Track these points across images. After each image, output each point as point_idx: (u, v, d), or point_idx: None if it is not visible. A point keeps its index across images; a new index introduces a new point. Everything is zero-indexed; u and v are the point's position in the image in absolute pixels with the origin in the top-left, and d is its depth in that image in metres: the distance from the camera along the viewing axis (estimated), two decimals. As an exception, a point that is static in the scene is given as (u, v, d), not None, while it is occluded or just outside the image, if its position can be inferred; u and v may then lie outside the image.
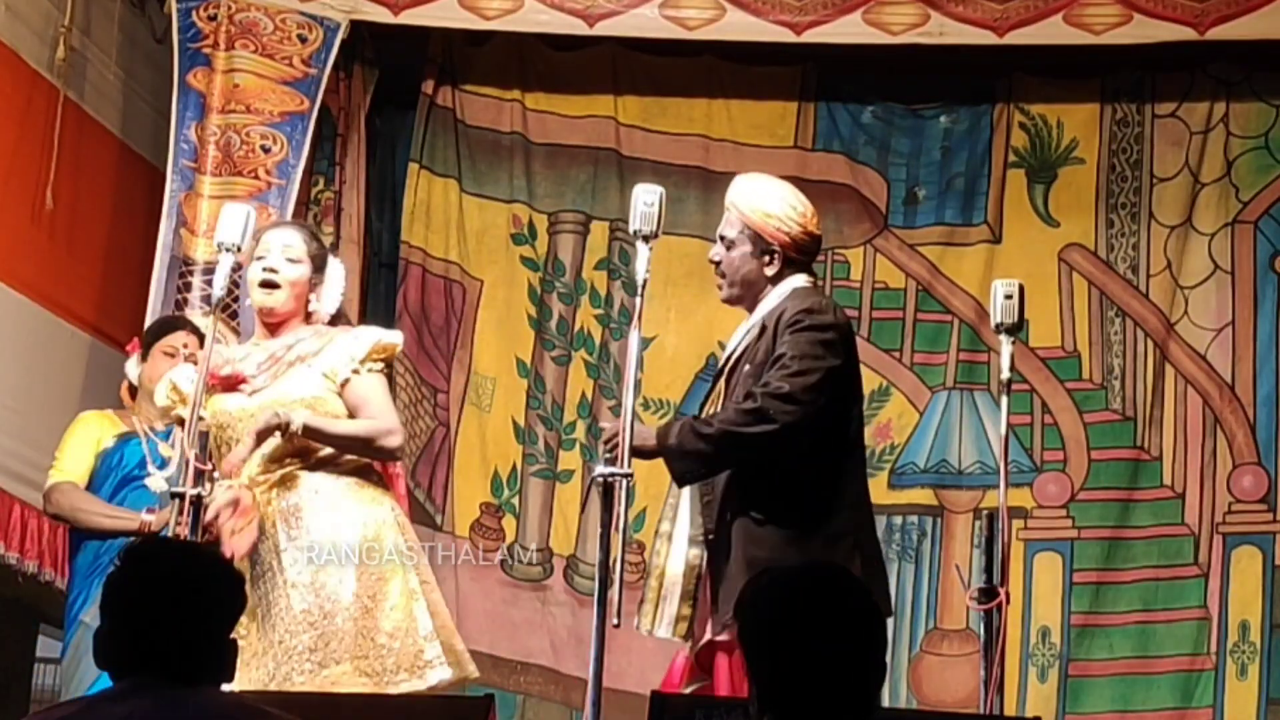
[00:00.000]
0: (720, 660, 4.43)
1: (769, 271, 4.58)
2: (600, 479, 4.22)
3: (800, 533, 4.38)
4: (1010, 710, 5.28)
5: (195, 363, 5.38)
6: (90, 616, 5.38)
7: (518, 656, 6.93)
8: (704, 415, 4.55)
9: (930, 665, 6.85)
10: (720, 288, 4.66)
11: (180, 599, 2.92)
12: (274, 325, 4.72)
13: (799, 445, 4.38)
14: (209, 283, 6.19)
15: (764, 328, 4.52)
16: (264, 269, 4.65)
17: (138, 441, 5.52)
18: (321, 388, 4.64)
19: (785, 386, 4.36)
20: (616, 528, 4.16)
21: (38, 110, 6.46)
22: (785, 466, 4.44)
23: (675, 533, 4.50)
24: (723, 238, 4.64)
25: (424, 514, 7.00)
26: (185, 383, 4.71)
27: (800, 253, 4.62)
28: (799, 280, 4.61)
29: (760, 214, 4.59)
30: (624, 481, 4.20)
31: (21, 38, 6.39)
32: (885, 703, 5.06)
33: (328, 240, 6.94)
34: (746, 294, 4.63)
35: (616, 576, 4.15)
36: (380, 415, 4.67)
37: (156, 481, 5.49)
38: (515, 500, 7.08)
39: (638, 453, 4.35)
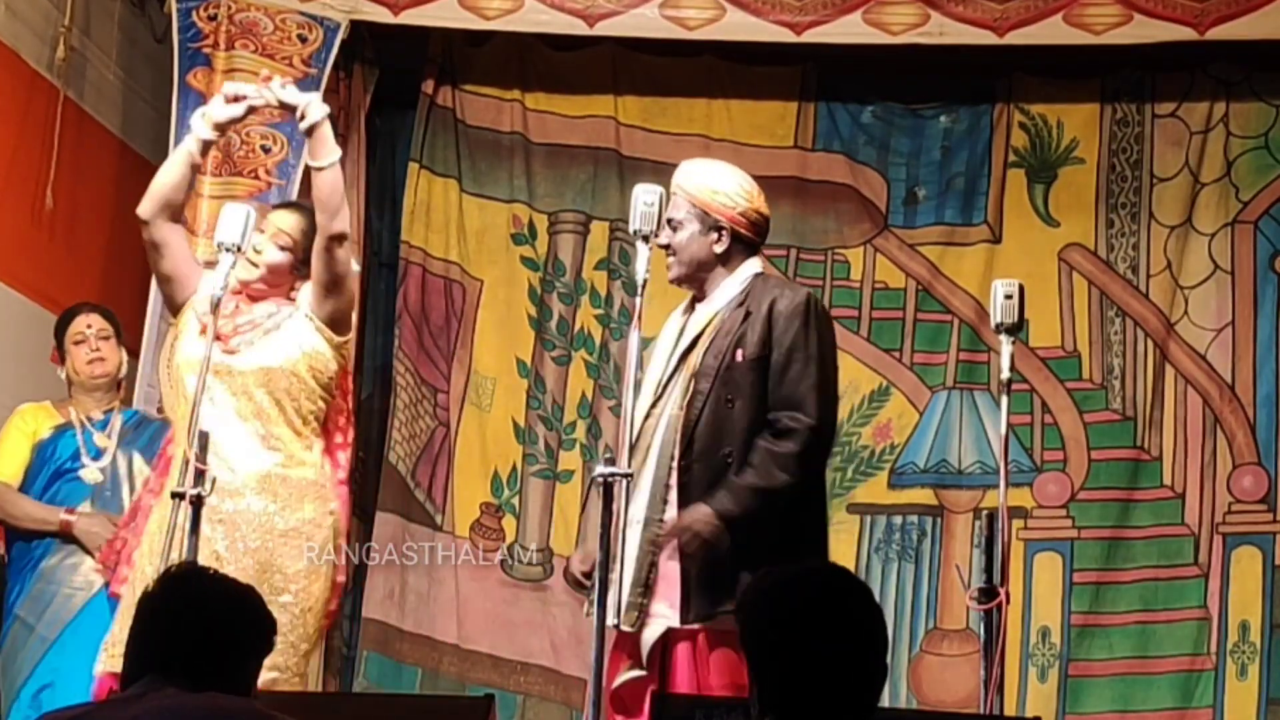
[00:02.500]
0: (681, 649, 4.42)
1: (718, 249, 4.61)
2: (600, 479, 4.22)
3: (770, 522, 4.40)
4: (1010, 710, 5.27)
5: (106, 339, 5.50)
6: (24, 610, 5.41)
7: (518, 656, 6.93)
8: (658, 399, 4.56)
9: (930, 665, 6.84)
10: (670, 268, 4.68)
11: (205, 618, 2.95)
12: (254, 296, 4.83)
13: (831, 444, 4.54)
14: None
15: (748, 314, 4.53)
16: (253, 247, 4.75)
17: (72, 433, 5.54)
18: (309, 344, 4.72)
19: (812, 397, 4.46)
20: (616, 527, 4.16)
21: (38, 110, 6.46)
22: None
23: (632, 515, 4.45)
24: (669, 221, 4.64)
25: (424, 514, 7.01)
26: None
27: (749, 231, 4.63)
28: (757, 265, 4.63)
29: (707, 191, 4.63)
30: (624, 481, 4.20)
31: (21, 38, 6.39)
32: (885, 703, 5.06)
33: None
34: (695, 274, 4.65)
35: (616, 576, 4.15)
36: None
37: (90, 473, 5.52)
38: (515, 500, 7.08)
39: (710, 548, 4.35)
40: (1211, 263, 6.97)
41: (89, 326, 5.62)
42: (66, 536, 5.43)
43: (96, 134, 6.84)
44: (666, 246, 4.65)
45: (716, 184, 4.65)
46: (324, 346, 4.77)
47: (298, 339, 4.76)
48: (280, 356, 4.72)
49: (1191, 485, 6.83)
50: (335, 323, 4.79)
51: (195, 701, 2.86)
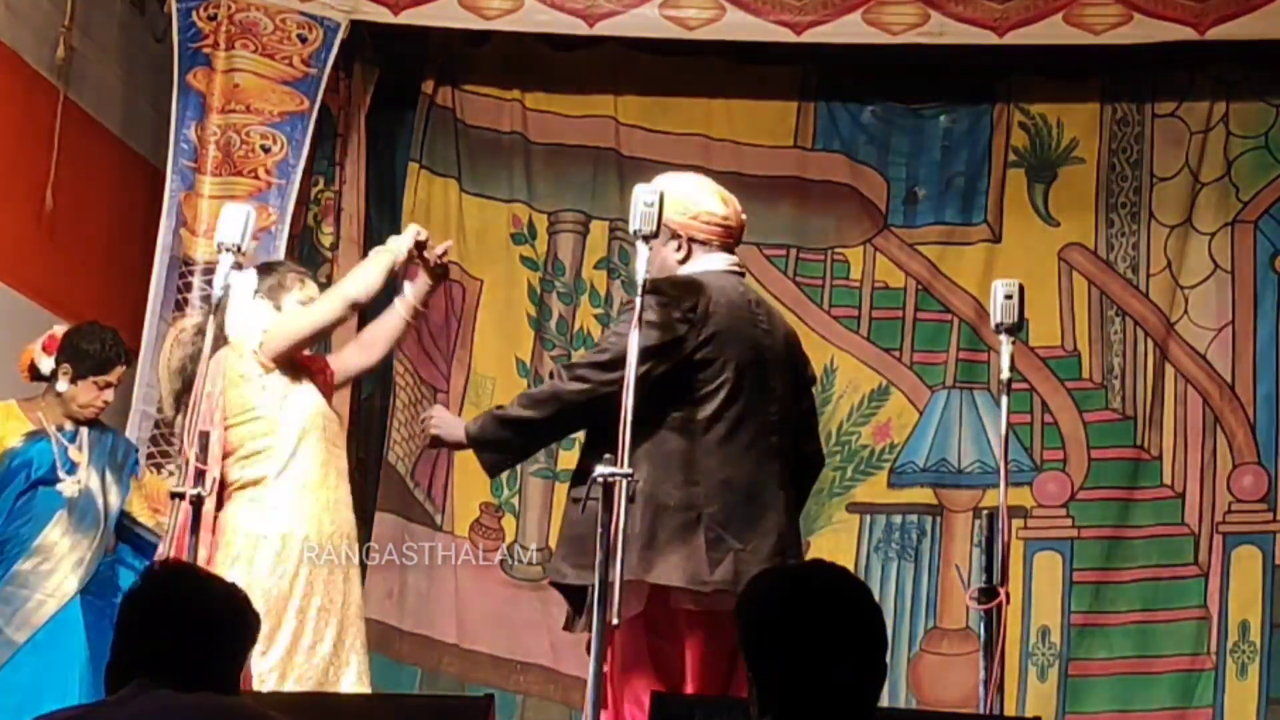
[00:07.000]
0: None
1: (678, 257, 4.59)
2: (600, 479, 4.22)
3: (645, 499, 4.36)
4: (1010, 710, 5.27)
5: (115, 390, 5.57)
6: None
7: (517, 656, 6.93)
8: None
9: (930, 664, 6.85)
10: None
11: (192, 616, 2.94)
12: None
13: (594, 415, 4.40)
14: (209, 283, 6.21)
15: None
16: None
17: (47, 442, 5.49)
18: None
19: (579, 362, 4.56)
20: (616, 528, 4.15)
21: (38, 110, 6.46)
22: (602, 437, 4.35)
23: None
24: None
25: (424, 514, 7.01)
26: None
27: (706, 234, 4.59)
28: (712, 262, 4.56)
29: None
30: (624, 481, 4.19)
31: (21, 38, 6.39)
32: (885, 702, 5.05)
33: (327, 240, 6.96)
34: None
35: (616, 576, 4.15)
36: None
37: (68, 486, 5.47)
38: (515, 500, 7.08)
39: (440, 442, 4.65)
40: (1211, 262, 6.97)
41: (118, 380, 5.60)
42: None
43: (96, 134, 6.84)
44: None
45: (669, 194, 4.57)
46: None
47: None
48: None
49: (1191, 485, 6.84)
50: None
51: (189, 701, 2.86)
